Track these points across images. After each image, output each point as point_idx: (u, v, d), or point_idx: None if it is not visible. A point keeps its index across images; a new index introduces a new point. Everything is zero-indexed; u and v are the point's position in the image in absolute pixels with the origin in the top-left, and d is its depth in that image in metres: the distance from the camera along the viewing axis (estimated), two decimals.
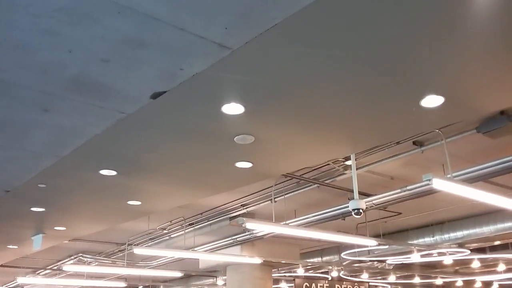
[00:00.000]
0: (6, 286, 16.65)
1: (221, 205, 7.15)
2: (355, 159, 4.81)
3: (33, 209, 5.97)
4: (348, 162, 5.23)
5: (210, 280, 13.62)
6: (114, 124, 3.41)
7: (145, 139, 3.71)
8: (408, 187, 5.12)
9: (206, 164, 4.26)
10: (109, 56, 2.56)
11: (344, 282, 9.19)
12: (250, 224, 5.31)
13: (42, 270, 13.14)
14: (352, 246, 8.97)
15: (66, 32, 2.34)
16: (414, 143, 4.92)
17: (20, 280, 12.08)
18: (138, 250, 7.15)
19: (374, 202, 5.54)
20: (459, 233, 7.85)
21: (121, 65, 2.64)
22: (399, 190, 5.23)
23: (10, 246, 8.73)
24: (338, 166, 5.37)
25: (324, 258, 10.38)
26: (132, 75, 2.74)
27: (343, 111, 3.26)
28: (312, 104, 3.14)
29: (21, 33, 2.33)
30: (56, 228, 7.13)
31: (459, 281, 14.08)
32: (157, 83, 2.84)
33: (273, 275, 9.99)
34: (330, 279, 10.52)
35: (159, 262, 10.37)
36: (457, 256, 9.21)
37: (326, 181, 5.74)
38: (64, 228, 7.14)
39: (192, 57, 2.56)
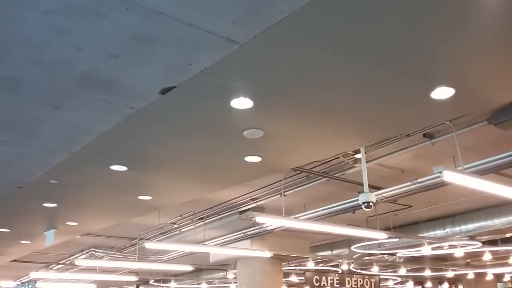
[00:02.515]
0: (20, 281, 16.88)
1: (231, 199, 7.17)
2: (365, 152, 4.79)
3: (45, 204, 6.03)
4: (357, 155, 5.21)
5: (221, 274, 13.70)
6: (124, 119, 3.42)
7: (155, 134, 3.73)
8: (419, 180, 5.10)
9: (216, 158, 4.27)
10: (118, 52, 2.57)
11: (354, 275, 9.19)
12: (260, 218, 5.32)
13: (55, 265, 13.30)
14: (362, 239, 8.95)
15: (75, 29, 2.35)
16: (424, 135, 4.89)
17: (33, 274, 12.25)
18: (149, 245, 7.21)
19: (384, 195, 5.52)
20: (470, 226, 7.80)
21: (130, 61, 2.65)
22: (409, 183, 5.21)
23: (23, 242, 8.83)
24: (348, 160, 5.35)
25: (334, 252, 10.38)
26: (141, 70, 2.75)
27: (352, 104, 3.24)
28: (321, 97, 3.12)
29: (31, 31, 2.35)
30: (68, 223, 7.20)
31: (471, 273, 14.01)
32: (166, 78, 2.84)
33: (283, 268, 10.02)
34: (340, 272, 10.52)
35: (170, 256, 10.45)
36: (468, 249, 9.16)
37: (335, 175, 5.73)
38: (76, 223, 7.21)
39: (201, 52, 2.57)
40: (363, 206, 4.54)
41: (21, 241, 8.82)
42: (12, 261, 11.61)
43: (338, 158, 5.33)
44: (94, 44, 2.48)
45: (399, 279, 15.71)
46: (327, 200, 6.31)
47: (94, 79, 2.84)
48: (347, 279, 8.97)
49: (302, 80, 2.89)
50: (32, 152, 4.14)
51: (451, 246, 9.03)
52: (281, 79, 2.88)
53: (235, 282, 12.06)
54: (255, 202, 6.88)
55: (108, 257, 10.77)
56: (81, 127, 3.58)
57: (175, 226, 8.39)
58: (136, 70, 2.74)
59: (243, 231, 7.98)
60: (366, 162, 4.91)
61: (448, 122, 4.37)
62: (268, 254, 8.28)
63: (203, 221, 7.78)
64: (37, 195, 5.63)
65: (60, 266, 13.19)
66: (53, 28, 2.33)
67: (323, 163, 5.58)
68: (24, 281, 16.04)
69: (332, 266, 11.98)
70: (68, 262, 12.68)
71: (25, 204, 6.05)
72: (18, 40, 2.42)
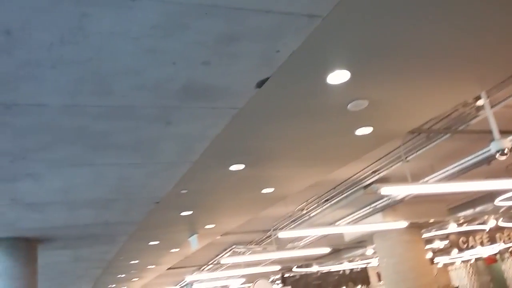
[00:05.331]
0: (179, 286, 18.59)
1: (352, 176, 7.03)
2: (487, 97, 4.35)
3: (183, 213, 6.53)
4: (479, 102, 4.74)
5: (360, 251, 13.56)
6: (230, 121, 3.55)
7: (261, 128, 3.80)
8: None
9: (326, 139, 4.22)
10: (208, 58, 2.66)
11: (505, 230, 8.42)
12: (385, 190, 5.12)
13: (205, 266, 14.35)
14: (506, 190, 8.15)
15: (166, 46, 2.49)
16: None
17: (189, 278, 13.37)
18: (282, 234, 7.40)
19: None
20: None
21: (221, 63, 2.73)
22: None
23: (173, 250, 9.68)
24: (469, 109, 4.90)
25: (477, 209, 9.61)
26: (234, 70, 2.82)
27: (463, 48, 2.95)
28: (425, 48, 2.88)
29: (128, 58, 2.54)
30: (206, 227, 7.71)
31: None
32: (258, 71, 2.87)
33: (423, 236, 9.58)
34: (487, 230, 9.72)
35: (305, 242, 10.62)
36: None
37: (459, 128, 5.28)
38: (213, 225, 7.69)
39: (285, 36, 2.55)
40: (497, 155, 4.13)
41: (170, 250, 9.67)
42: (168, 269, 12.80)
43: (457, 110, 4.92)
44: (185, 56, 2.60)
45: None
46: (456, 157, 5.86)
47: (193, 89, 2.98)
48: (497, 235, 8.25)
49: (399, 36, 2.70)
50: (159, 168, 4.49)
51: None
52: (375, 42, 2.73)
53: (376, 257, 11.84)
54: (377, 174, 6.65)
55: (250, 252, 11.30)
56: (194, 136, 3.78)
57: (304, 212, 8.49)
58: (229, 70, 2.81)
59: (371, 206, 7.78)
60: (491, 107, 4.45)
61: None
62: (403, 224, 7.96)
63: (329, 202, 7.76)
64: (173, 207, 6.11)
65: (210, 266, 14.19)
66: (146, 50, 2.50)
67: (442, 119, 5.19)
68: (182, 284, 17.61)
69: (478, 224, 11.14)
70: (215, 262, 13.59)
71: (165, 217, 6.61)
72: (120, 70, 2.64)
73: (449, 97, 3.77)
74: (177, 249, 9.61)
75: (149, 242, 8.47)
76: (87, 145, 3.67)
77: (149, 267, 11.76)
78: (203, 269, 14.52)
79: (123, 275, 12.83)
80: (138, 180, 4.73)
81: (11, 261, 6.14)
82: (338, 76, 3.06)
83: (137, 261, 10.54)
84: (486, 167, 5.68)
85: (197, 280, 14.84)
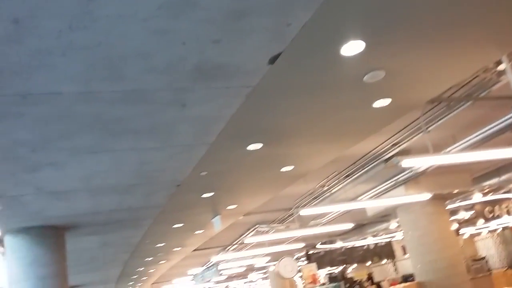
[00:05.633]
0: (206, 266, 18.93)
1: (372, 150, 6.95)
2: (509, 61, 4.20)
3: (204, 195, 6.58)
4: (500, 67, 4.60)
5: (384, 225, 13.51)
6: (245, 100, 3.51)
7: (276, 105, 3.76)
8: None
9: (343, 113, 4.16)
10: (218, 36, 2.62)
11: None
12: (406, 162, 5.05)
13: (230, 246, 14.53)
14: None
15: (174, 26, 2.46)
16: None
17: (214, 258, 13.57)
18: (303, 211, 7.40)
19: None
20: None
21: (231, 41, 2.69)
22: None
23: (197, 232, 9.81)
24: (490, 75, 4.75)
25: (503, 177, 9.42)
26: (245, 47, 2.77)
27: (482, 10, 2.84)
28: (442, 13, 2.78)
29: (137, 41, 2.52)
30: (228, 207, 7.76)
31: None
32: (270, 47, 2.82)
33: (448, 206, 9.47)
34: None
35: (328, 219, 10.62)
36: None
37: (480, 95, 5.14)
38: (235, 206, 7.73)
39: (296, 8, 2.48)
40: None
41: (195, 232, 9.80)
42: (194, 250, 13.01)
43: (477, 76, 4.77)
44: (195, 35, 2.57)
45: None
46: (478, 125, 5.73)
47: (206, 69, 2.95)
48: None
49: (416, 1, 2.61)
50: (177, 151, 4.51)
51: None
52: (390, 8, 2.64)
53: (401, 230, 11.78)
54: (398, 146, 6.55)
55: (273, 230, 11.37)
56: (210, 117, 3.77)
57: (325, 188, 8.46)
58: (240, 48, 2.77)
59: (393, 179, 7.71)
60: None
61: None
62: (426, 196, 7.87)
63: (350, 177, 7.70)
64: (194, 189, 6.16)
65: (234, 246, 14.36)
66: (155, 31, 2.47)
67: (462, 87, 5.05)
68: (209, 265, 17.93)
69: (504, 192, 10.93)
70: (240, 242, 13.74)
71: (187, 199, 6.67)
72: (131, 53, 2.62)
73: (468, 63, 3.66)
74: (201, 231, 9.73)
75: (173, 225, 8.60)
76: (105, 132, 3.69)
77: (175, 249, 11.96)
78: (228, 249, 14.71)
79: (150, 258, 13.10)
80: (157, 164, 4.77)
81: (41, 249, 6.31)
82: (353, 47, 2.98)
83: (163, 244, 10.73)
84: (510, 134, 5.53)
85: (223, 260, 15.05)
